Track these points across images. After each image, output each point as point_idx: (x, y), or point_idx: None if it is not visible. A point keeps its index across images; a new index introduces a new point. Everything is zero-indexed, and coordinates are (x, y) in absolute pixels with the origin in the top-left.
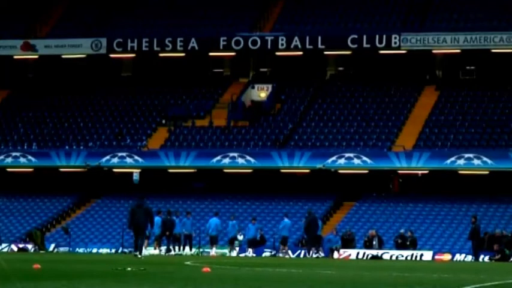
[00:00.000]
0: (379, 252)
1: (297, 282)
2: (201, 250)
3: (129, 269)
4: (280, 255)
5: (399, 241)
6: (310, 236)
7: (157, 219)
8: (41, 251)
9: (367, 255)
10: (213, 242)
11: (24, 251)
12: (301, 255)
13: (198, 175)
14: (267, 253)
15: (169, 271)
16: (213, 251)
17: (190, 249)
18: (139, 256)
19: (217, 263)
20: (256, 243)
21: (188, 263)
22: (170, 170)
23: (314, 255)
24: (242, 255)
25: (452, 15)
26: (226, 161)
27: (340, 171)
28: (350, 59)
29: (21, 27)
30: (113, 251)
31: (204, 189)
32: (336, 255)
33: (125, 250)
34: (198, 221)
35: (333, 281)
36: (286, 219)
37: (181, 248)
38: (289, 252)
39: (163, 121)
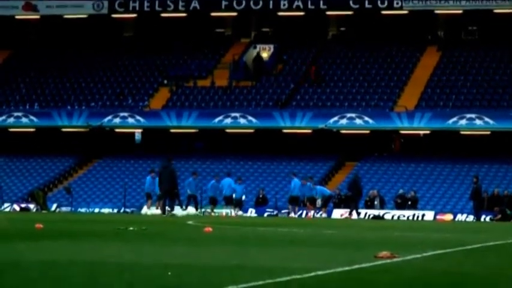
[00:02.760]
0: (381, 212)
1: (299, 242)
2: (203, 210)
3: (130, 228)
4: (292, 214)
5: (398, 201)
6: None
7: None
8: (43, 211)
9: (369, 215)
10: (227, 202)
11: (26, 211)
12: (303, 215)
13: (199, 135)
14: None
15: (171, 231)
16: (234, 212)
17: (196, 209)
18: (173, 213)
19: (220, 222)
20: (258, 203)
21: (190, 222)
22: (172, 130)
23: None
24: (245, 214)
25: None
26: (228, 121)
27: (342, 132)
28: (352, 19)
29: None
30: (115, 210)
31: (206, 149)
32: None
33: (127, 210)
34: (200, 181)
35: (334, 241)
36: (296, 179)
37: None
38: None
39: (165, 81)
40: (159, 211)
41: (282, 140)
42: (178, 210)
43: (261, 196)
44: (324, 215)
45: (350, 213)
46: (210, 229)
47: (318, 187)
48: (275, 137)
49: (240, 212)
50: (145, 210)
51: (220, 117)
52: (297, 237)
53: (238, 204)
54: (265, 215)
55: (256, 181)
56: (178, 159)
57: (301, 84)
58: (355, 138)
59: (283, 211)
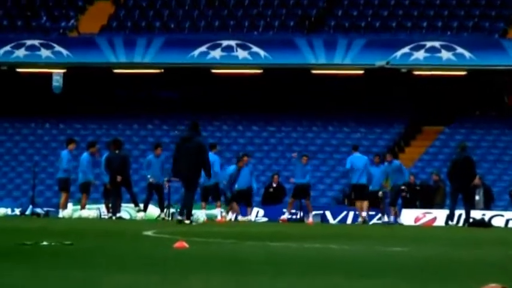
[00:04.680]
0: (487, 213)
1: (340, 267)
2: (172, 210)
3: (44, 243)
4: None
5: None
6: (456, 186)
7: (84, 155)
8: None
9: (465, 219)
10: (211, 196)
11: None
12: (348, 220)
13: (166, 79)
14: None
15: (115, 247)
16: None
17: (162, 209)
18: (186, 222)
19: (201, 233)
20: (270, 199)
21: (148, 233)
22: (117, 71)
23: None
24: (243, 218)
25: None
26: (217, 54)
27: (417, 73)
28: None
29: None
30: (17, 211)
31: (178, 103)
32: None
33: (38, 210)
34: (168, 159)
35: (404, 265)
36: (356, 153)
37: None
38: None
39: None
40: (93, 212)
41: (311, 87)
42: (200, 214)
43: (274, 186)
44: (387, 219)
45: (467, 219)
46: (184, 244)
47: (396, 162)
48: (299, 83)
49: (222, 214)
50: (68, 211)
51: (203, 48)
52: (337, 258)
53: (244, 197)
54: (281, 218)
55: (266, 159)
56: (130, 121)
57: None
58: (441, 85)
59: (314, 212)
